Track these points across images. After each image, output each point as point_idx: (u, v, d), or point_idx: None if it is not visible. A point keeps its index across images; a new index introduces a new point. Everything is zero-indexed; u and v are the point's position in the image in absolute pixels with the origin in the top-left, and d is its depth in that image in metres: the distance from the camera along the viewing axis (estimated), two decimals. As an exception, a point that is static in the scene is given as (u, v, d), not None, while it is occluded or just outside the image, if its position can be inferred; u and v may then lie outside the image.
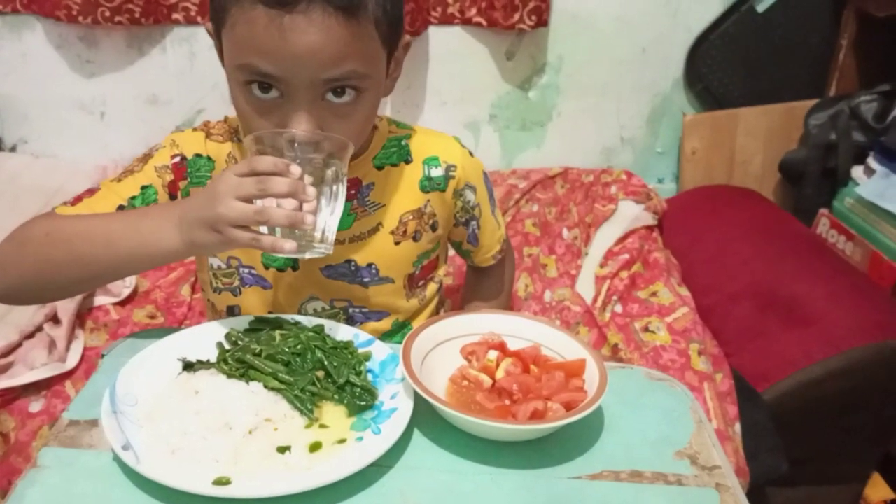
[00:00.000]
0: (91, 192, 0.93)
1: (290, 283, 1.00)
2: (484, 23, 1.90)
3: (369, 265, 1.00)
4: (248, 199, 0.75)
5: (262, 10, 0.77)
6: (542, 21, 1.86)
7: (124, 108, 2.00)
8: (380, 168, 0.99)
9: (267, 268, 0.99)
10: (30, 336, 1.35)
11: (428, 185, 1.00)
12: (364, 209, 0.98)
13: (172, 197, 0.94)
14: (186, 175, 0.95)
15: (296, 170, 0.75)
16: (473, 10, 1.90)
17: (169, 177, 0.94)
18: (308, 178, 0.76)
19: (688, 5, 1.97)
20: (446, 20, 1.92)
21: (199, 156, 0.96)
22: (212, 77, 1.96)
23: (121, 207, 0.90)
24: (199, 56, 1.94)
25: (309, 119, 0.81)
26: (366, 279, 1.00)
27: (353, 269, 0.99)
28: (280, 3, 0.77)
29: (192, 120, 2.01)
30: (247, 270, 0.99)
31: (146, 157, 0.95)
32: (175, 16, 1.88)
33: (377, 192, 0.98)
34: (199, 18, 1.89)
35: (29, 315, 1.38)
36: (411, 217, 1.00)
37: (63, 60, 1.94)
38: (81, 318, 1.42)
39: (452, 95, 2.02)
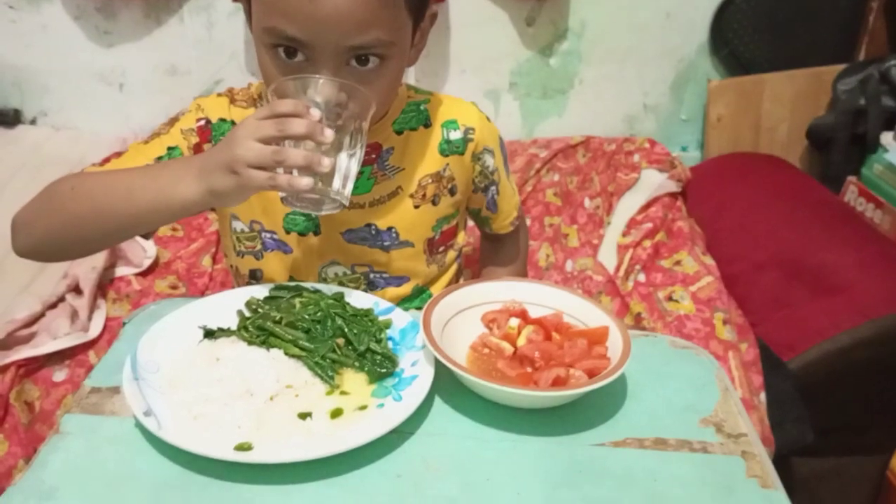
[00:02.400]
0: (119, 154, 0.94)
1: (311, 247, 1.00)
2: (504, -12, 1.87)
3: (389, 229, 1.00)
4: (268, 143, 0.75)
5: None
6: (564, -15, 1.83)
7: (143, 79, 2.00)
8: (399, 133, 0.99)
9: (288, 232, 0.99)
10: (52, 306, 1.36)
11: (447, 148, 1.00)
12: (384, 173, 0.98)
13: None
14: (211, 138, 0.96)
15: (315, 112, 0.75)
16: (493, -25, 1.87)
17: (194, 139, 0.95)
18: (329, 128, 0.76)
19: (713, -32, 1.93)
20: (466, -14, 1.89)
21: (223, 120, 0.96)
22: (230, 46, 1.95)
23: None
24: (218, 25, 1.93)
25: None
26: (386, 243, 1.00)
27: (373, 232, 0.99)
28: None
29: (210, 90, 2.00)
30: (269, 235, 0.99)
31: (172, 121, 0.96)
32: (192, -15, 1.86)
33: (397, 156, 0.98)
34: (216, -13, 1.87)
35: (51, 285, 1.38)
36: (430, 181, 1.00)
37: (81, 32, 1.94)
38: (103, 288, 1.43)
39: (472, 63, 2.00)
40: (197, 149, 0.95)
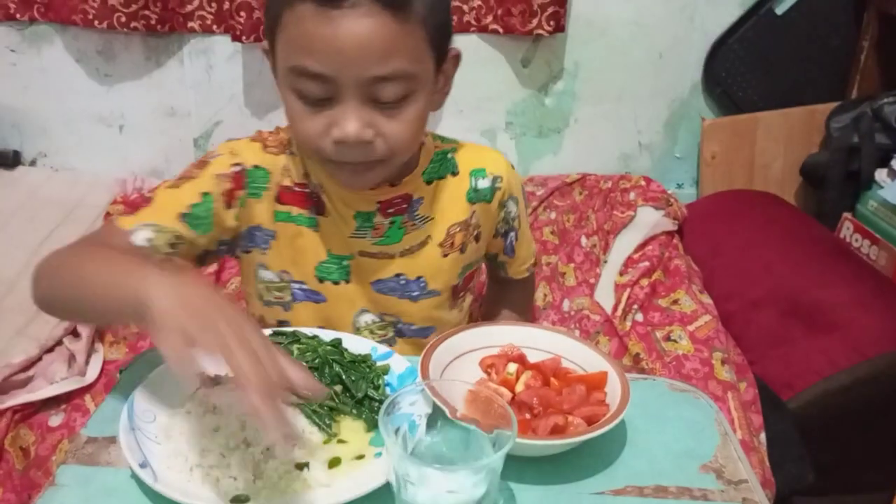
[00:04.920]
0: (148, 200, 0.91)
1: (343, 295, 0.99)
2: (500, 30, 1.90)
3: (418, 278, 1.00)
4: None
5: (312, 8, 0.79)
6: (559, 27, 1.85)
7: (143, 121, 2.01)
8: (429, 182, 0.99)
9: (322, 281, 0.98)
10: (49, 350, 1.35)
11: (475, 196, 1.01)
12: (413, 223, 0.99)
13: (228, 206, 0.92)
14: (245, 185, 0.94)
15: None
16: (489, 18, 1.89)
17: (228, 185, 0.92)
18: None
19: (705, 9, 1.95)
20: (462, 28, 1.91)
21: (257, 167, 0.95)
22: (230, 89, 1.97)
23: (182, 216, 0.89)
24: (217, 68, 1.95)
25: (358, 118, 0.82)
26: (415, 293, 1.01)
27: (402, 283, 1.00)
28: None
29: (210, 132, 2.02)
30: (298, 286, 0.99)
31: (203, 164, 0.93)
32: (191, 24, 1.88)
33: (426, 205, 0.99)
34: (214, 27, 1.89)
35: (48, 329, 1.38)
36: (459, 229, 1.01)
37: (81, 74, 1.96)
38: (101, 331, 1.43)
39: (468, 103, 2.02)
40: (229, 195, 0.92)
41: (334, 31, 0.78)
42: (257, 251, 0.98)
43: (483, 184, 1.01)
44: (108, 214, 1.79)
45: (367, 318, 1.01)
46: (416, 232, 0.99)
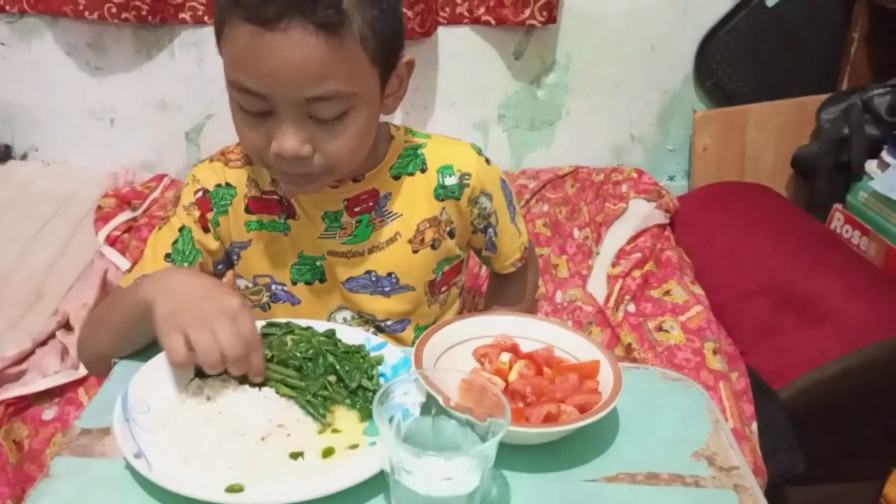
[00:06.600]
0: (141, 252, 0.99)
1: (318, 294, 1.01)
2: (493, 21, 1.90)
3: (389, 274, 1.01)
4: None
5: (246, 28, 0.79)
6: (551, 17, 1.85)
7: (134, 114, 2.00)
8: (396, 178, 0.99)
9: (295, 284, 1.01)
10: (42, 343, 1.35)
11: (442, 193, 1.00)
12: (381, 219, 0.99)
13: (205, 230, 0.98)
14: (212, 206, 0.98)
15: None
16: (482, 9, 1.89)
17: (196, 213, 0.97)
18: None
19: (696, 1, 1.96)
20: (455, 20, 1.91)
21: (219, 186, 0.99)
22: (220, 81, 1.90)
23: (167, 256, 0.96)
24: (208, 60, 1.94)
25: (295, 134, 0.83)
26: (387, 288, 1.01)
27: (373, 279, 1.00)
28: (261, 21, 0.77)
29: (201, 125, 2.01)
30: (280, 287, 1.01)
31: (177, 200, 0.99)
32: (182, 15, 1.87)
33: (393, 201, 0.99)
34: (206, 18, 1.88)
35: (41, 322, 1.38)
36: (428, 225, 1.00)
37: (72, 67, 1.95)
38: (94, 324, 1.43)
39: (461, 96, 2.02)
40: (202, 220, 0.97)
41: (268, 52, 0.78)
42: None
43: (450, 181, 1.00)
44: (99, 208, 1.79)
45: (345, 314, 1.03)
46: (384, 228, 0.99)
